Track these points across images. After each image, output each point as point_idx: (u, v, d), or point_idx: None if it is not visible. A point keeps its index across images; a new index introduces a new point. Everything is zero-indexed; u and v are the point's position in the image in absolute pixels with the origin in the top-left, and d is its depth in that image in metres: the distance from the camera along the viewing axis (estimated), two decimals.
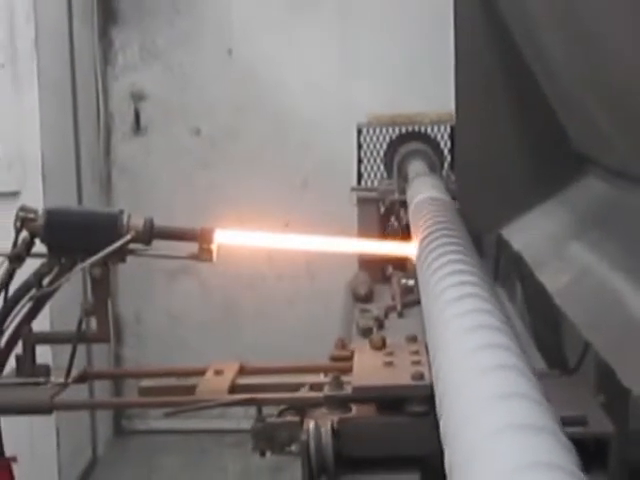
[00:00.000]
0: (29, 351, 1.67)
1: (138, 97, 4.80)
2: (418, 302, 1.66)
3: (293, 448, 1.40)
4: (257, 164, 4.58)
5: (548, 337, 2.08)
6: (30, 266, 1.71)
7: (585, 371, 1.70)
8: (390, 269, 2.47)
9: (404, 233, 2.45)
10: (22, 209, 1.70)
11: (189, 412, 1.57)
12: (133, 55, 4.78)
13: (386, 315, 2.08)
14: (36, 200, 2.85)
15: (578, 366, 1.78)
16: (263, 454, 1.50)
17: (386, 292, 2.34)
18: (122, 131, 4.82)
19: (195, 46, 4.71)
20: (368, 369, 1.51)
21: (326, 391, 1.45)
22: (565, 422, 0.84)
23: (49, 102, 3.80)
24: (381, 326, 1.94)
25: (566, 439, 0.73)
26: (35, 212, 1.68)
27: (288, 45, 4.66)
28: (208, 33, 4.70)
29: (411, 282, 2.21)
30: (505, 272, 2.52)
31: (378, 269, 2.51)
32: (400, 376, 1.44)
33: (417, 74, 4.23)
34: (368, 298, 2.31)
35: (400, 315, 2.12)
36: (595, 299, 1.47)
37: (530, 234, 2.02)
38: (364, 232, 2.74)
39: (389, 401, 1.40)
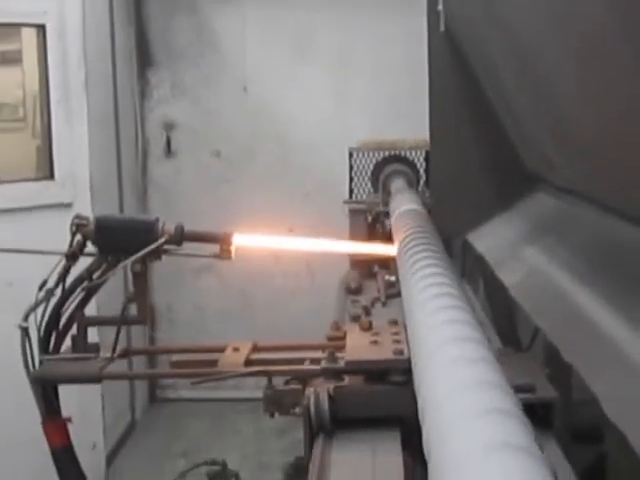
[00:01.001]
0: (82, 332, 1.68)
1: (169, 126, 4.79)
2: (398, 294, 1.66)
3: (297, 410, 1.40)
4: (267, 180, 4.58)
5: (505, 323, 2.08)
6: (83, 263, 1.72)
7: (534, 350, 1.70)
8: (376, 267, 2.46)
9: (387, 238, 2.43)
10: (76, 217, 1.71)
11: (211, 382, 1.57)
12: (165, 91, 4.77)
13: (372, 304, 2.06)
14: (86, 210, 2.85)
15: (529, 346, 1.78)
16: (272, 415, 1.50)
17: (372, 286, 2.33)
18: (156, 154, 4.81)
19: (216, 84, 4.71)
20: (358, 347, 1.51)
21: (323, 364, 1.46)
22: (518, 389, 0.85)
23: (96, 131, 3.80)
24: (368, 313, 1.93)
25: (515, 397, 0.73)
26: (87, 219, 1.69)
27: (293, 84, 4.65)
28: (227, 73, 4.70)
29: (393, 278, 2.20)
30: (470, 270, 2.51)
31: (366, 267, 2.50)
32: (384, 352, 1.45)
33: (398, 109, 4.23)
34: (358, 291, 2.30)
35: (384, 304, 2.11)
36: (543, 292, 1.46)
37: (491, 239, 2.01)
38: (354, 237, 2.73)
39: (375, 372, 1.40)
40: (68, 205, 3.49)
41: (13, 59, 3.80)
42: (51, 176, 3.57)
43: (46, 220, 3.36)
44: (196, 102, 4.75)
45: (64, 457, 1.69)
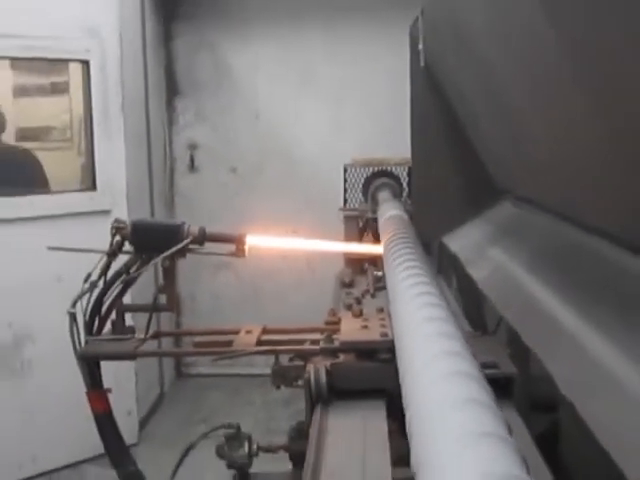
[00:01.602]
0: (120, 317, 1.68)
1: (193, 146, 4.79)
2: (384, 287, 1.65)
3: (299, 383, 1.40)
4: (275, 192, 4.58)
5: (474, 311, 2.07)
6: (121, 260, 1.72)
7: (499, 334, 1.69)
8: (366, 265, 2.44)
9: (375, 240, 2.43)
10: (116, 221, 1.70)
11: (228, 359, 1.56)
12: (189, 118, 4.77)
13: (363, 296, 2.04)
14: (122, 216, 2.84)
15: (494, 331, 1.77)
16: (279, 387, 1.49)
17: (363, 280, 2.31)
18: (181, 170, 4.81)
19: (232, 112, 4.71)
20: (350, 330, 1.51)
21: (322, 344, 1.46)
22: (484, 366, 0.86)
23: (132, 150, 3.80)
24: (359, 303, 1.92)
25: (484, 382, 0.74)
26: (125, 223, 1.69)
27: (297, 112, 4.66)
28: (241, 103, 4.70)
29: (380, 273, 2.18)
30: (445, 267, 2.50)
31: (358, 264, 2.48)
32: (372, 334, 1.45)
33: (385, 132, 4.23)
34: (351, 284, 2.28)
35: (372, 296, 2.09)
36: (506, 285, 1.46)
37: (462, 241, 2.00)
38: (348, 239, 2.73)
39: (365, 351, 1.40)
40: (107, 212, 3.49)
41: (62, 89, 3.80)
42: (93, 187, 3.58)
43: (89, 224, 3.37)
44: (215, 127, 4.75)
45: (105, 422, 1.69)
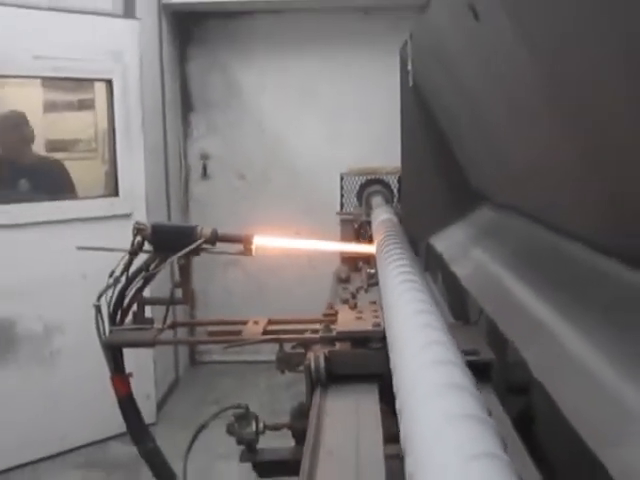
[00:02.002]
0: (141, 309, 1.67)
1: (205, 156, 4.78)
2: (377, 283, 1.64)
3: (300, 368, 1.39)
4: (279, 197, 4.57)
5: (457, 304, 2.06)
6: (141, 258, 1.72)
7: (479, 324, 1.69)
8: (360, 263, 2.42)
9: (369, 241, 2.42)
10: (137, 223, 1.69)
11: (237, 347, 1.56)
12: (202, 131, 4.76)
13: (357, 291, 2.03)
14: (142, 219, 2.84)
15: (475, 321, 1.77)
16: (283, 372, 1.49)
17: (358, 277, 2.29)
18: (195, 178, 4.80)
19: (240, 126, 4.71)
20: (346, 321, 1.50)
21: (321, 334, 1.45)
22: (465, 353, 0.86)
23: (150, 160, 3.80)
24: (354, 297, 1.91)
25: (466, 369, 0.74)
26: (145, 225, 1.68)
27: (298, 125, 4.65)
28: (248, 118, 4.69)
29: (373, 271, 2.17)
30: (431, 265, 2.50)
31: (353, 263, 2.47)
32: (366, 325, 1.44)
33: (378, 144, 4.21)
34: (347, 280, 2.26)
35: (366, 291, 2.07)
36: (485, 281, 1.46)
37: (447, 242, 2.00)
38: (344, 239, 2.72)
39: (359, 340, 1.39)
40: (128, 215, 3.49)
41: (88, 105, 3.80)
42: (116, 194, 3.57)
43: (112, 227, 3.36)
44: (225, 139, 4.74)
45: (127, 403, 1.68)
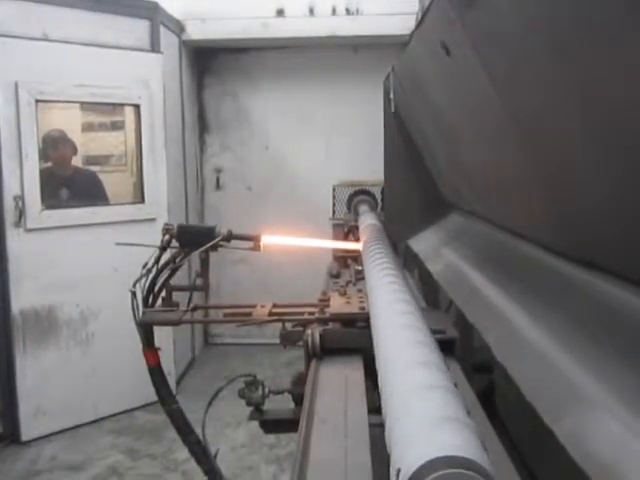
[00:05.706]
0: (169, 295, 1.68)
1: (218, 170, 4.78)
2: (363, 278, 1.64)
3: (300, 344, 1.40)
4: (281, 205, 4.57)
5: (430, 296, 2.05)
6: (169, 252, 1.72)
7: (449, 311, 1.69)
8: (349, 260, 2.42)
9: (356, 241, 2.42)
10: (165, 224, 1.72)
11: (247, 326, 1.57)
12: (216, 148, 4.76)
13: (347, 284, 2.02)
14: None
15: (446, 309, 1.77)
16: (285, 347, 1.50)
17: (347, 273, 2.28)
18: (209, 188, 4.80)
19: (248, 144, 4.71)
20: (337, 305, 1.51)
21: (317, 315, 1.46)
22: (434, 332, 0.87)
23: (172, 173, 3.80)
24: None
25: (436, 346, 0.74)
26: (172, 226, 1.70)
27: (298, 144, 4.65)
28: (255, 137, 4.69)
29: (360, 267, 2.17)
30: (409, 263, 2.50)
31: (343, 261, 2.45)
32: (353, 308, 1.45)
33: (365, 160, 4.15)
34: (337, 275, 2.25)
35: (354, 284, 2.06)
36: (454, 277, 1.46)
37: (422, 243, 2.01)
38: (336, 240, 2.73)
39: (348, 320, 1.40)
40: (153, 219, 3.50)
41: (119, 126, 3.80)
42: (142, 201, 3.57)
43: (139, 229, 3.38)
44: (236, 155, 4.74)
45: (157, 373, 1.71)
